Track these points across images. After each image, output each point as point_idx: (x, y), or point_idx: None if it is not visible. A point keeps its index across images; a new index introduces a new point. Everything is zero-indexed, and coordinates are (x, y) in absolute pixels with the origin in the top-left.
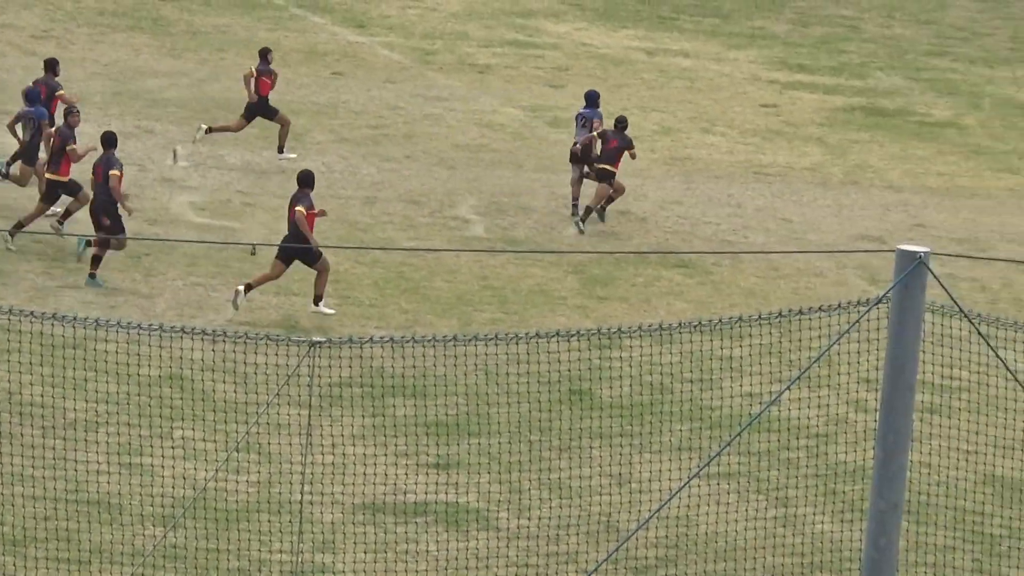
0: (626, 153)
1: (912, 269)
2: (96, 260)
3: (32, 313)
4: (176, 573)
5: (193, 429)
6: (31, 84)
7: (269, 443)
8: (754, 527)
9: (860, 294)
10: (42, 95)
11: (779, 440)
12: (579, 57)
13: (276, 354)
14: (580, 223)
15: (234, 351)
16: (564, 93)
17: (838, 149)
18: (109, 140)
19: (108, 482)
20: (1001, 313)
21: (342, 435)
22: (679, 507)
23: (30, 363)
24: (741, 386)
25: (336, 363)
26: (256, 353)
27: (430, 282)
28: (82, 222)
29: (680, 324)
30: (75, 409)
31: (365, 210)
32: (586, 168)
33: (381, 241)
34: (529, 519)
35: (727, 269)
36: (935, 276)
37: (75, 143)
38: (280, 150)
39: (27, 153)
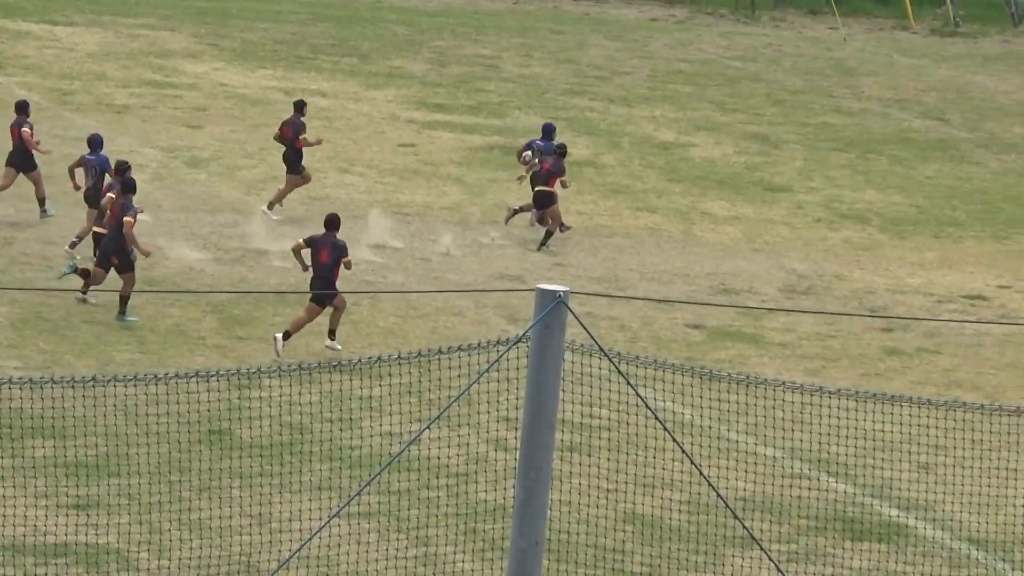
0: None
1: (552, 308)
2: (123, 300)
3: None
4: None
5: None
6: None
7: None
8: (395, 566)
9: (500, 333)
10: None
11: (419, 479)
12: (217, 97)
13: None
14: (546, 247)
15: None
16: (202, 133)
17: (476, 188)
18: (127, 185)
19: None
20: (641, 351)
21: None
22: (319, 547)
23: None
24: (381, 425)
25: None
26: None
27: (68, 322)
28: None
29: (320, 364)
30: None
31: (3, 251)
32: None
33: (19, 282)
34: (170, 559)
35: (366, 308)
36: (575, 315)
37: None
38: None
39: (92, 197)
